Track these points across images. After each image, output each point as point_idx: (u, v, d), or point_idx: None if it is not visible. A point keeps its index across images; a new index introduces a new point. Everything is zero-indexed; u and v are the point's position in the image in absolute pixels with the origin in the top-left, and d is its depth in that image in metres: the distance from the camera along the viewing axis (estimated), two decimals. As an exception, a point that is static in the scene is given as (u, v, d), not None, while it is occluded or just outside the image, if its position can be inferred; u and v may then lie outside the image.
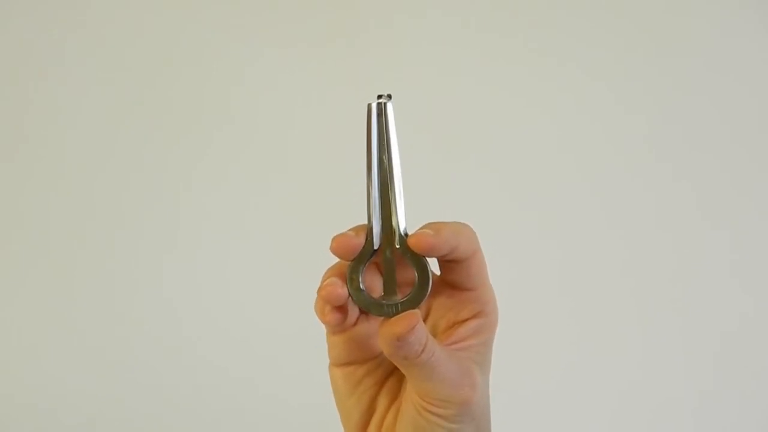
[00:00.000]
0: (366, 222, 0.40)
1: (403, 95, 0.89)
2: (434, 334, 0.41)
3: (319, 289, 0.39)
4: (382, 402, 0.42)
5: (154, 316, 0.87)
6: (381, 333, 0.38)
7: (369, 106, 0.40)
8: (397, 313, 0.39)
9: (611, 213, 0.87)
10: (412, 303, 0.39)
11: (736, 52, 0.87)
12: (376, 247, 0.39)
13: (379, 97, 0.40)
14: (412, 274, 0.39)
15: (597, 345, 0.87)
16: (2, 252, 0.88)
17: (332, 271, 0.40)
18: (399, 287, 0.40)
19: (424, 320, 0.41)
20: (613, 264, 0.87)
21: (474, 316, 0.41)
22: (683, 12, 0.87)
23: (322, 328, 0.41)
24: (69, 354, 0.86)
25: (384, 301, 0.39)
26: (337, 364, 0.42)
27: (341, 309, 0.39)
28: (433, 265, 0.40)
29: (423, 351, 0.37)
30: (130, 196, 0.88)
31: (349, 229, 0.40)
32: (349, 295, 0.39)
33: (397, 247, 0.39)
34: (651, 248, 0.86)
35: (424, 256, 0.39)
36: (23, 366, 0.87)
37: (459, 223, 0.39)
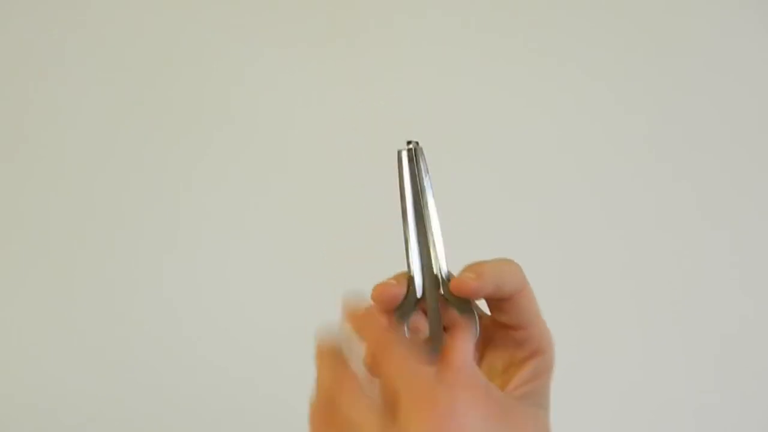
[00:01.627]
0: (406, 269, 0.39)
1: (403, 95, 0.89)
2: (491, 377, 0.39)
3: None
4: None
5: (154, 316, 0.87)
6: None
7: (399, 153, 0.39)
8: None
9: (611, 213, 0.87)
10: None
11: (736, 52, 0.87)
12: (419, 296, 0.39)
13: (409, 143, 0.39)
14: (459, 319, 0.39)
15: (597, 345, 0.87)
16: (2, 252, 0.88)
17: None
18: (447, 332, 0.39)
19: (479, 364, 0.39)
20: (613, 264, 0.87)
21: (530, 356, 0.39)
22: (683, 12, 0.87)
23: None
24: (69, 354, 0.86)
25: (432, 347, 0.38)
26: None
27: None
28: (483, 306, 0.39)
29: None
30: (130, 196, 0.88)
31: (391, 278, 0.38)
32: None
33: (441, 293, 0.39)
34: (651, 249, 0.86)
35: (469, 300, 0.38)
36: (23, 366, 0.87)
37: (503, 259, 0.38)
